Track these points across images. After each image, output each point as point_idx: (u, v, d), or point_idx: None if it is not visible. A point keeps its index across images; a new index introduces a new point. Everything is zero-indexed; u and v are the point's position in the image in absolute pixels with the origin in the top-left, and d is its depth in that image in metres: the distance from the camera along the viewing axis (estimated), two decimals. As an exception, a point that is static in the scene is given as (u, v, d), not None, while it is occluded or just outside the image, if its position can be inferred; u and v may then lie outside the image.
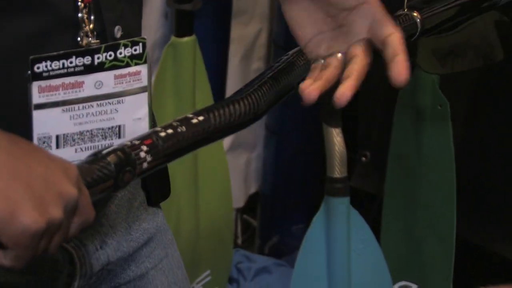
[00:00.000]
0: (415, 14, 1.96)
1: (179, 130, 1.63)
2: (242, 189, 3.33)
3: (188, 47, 2.86)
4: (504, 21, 2.50)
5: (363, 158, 3.14)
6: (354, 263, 2.74)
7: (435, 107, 2.89)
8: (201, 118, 1.68)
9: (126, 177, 1.55)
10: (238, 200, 3.33)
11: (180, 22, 2.89)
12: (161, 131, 1.61)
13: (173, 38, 2.88)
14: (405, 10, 2.00)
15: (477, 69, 2.98)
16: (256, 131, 3.34)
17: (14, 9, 1.66)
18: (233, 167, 3.22)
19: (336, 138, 2.80)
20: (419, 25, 1.97)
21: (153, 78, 2.93)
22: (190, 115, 1.68)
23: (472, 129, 3.00)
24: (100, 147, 1.65)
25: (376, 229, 2.89)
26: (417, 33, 1.99)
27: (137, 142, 1.56)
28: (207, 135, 1.70)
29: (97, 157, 1.52)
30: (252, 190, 3.38)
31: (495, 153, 3.02)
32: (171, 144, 1.62)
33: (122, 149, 1.54)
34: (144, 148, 1.56)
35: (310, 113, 3.09)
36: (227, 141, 3.34)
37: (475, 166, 2.98)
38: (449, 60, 2.73)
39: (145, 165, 1.56)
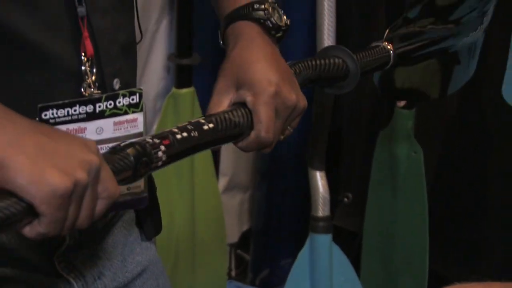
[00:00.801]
0: (389, 46, 1.97)
1: (192, 134, 1.63)
2: (236, 226, 3.32)
3: (187, 98, 2.86)
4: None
5: (345, 199, 3.13)
6: (336, 295, 2.76)
7: (410, 154, 2.89)
8: (211, 125, 1.66)
9: (141, 171, 1.54)
10: (233, 236, 3.32)
11: (180, 75, 2.90)
12: (177, 133, 1.61)
13: (173, 90, 2.89)
14: (382, 42, 1.99)
15: (449, 116, 3.02)
16: (249, 175, 3.36)
17: (22, 63, 1.66)
18: (228, 207, 3.25)
19: (320, 181, 2.81)
20: (392, 56, 1.97)
21: (155, 126, 2.96)
22: (203, 121, 1.66)
23: (443, 173, 2.99)
24: None
25: (356, 264, 2.90)
26: (390, 63, 1.98)
27: (157, 141, 1.56)
28: (213, 142, 1.70)
29: (115, 150, 1.52)
30: (245, 227, 3.37)
31: (465, 193, 3.01)
32: (184, 147, 1.62)
33: (141, 145, 1.54)
34: (163, 148, 1.56)
35: (298, 158, 3.10)
36: (222, 183, 3.33)
37: (447, 206, 2.98)
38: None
39: (159, 163, 1.57)
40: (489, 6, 2.20)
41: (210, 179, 2.88)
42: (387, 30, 2.02)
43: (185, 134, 1.62)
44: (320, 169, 2.84)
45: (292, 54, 3.11)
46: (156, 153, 1.55)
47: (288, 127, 1.78)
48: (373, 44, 1.96)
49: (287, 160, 3.28)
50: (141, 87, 1.75)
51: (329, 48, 1.92)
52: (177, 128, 1.62)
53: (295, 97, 1.74)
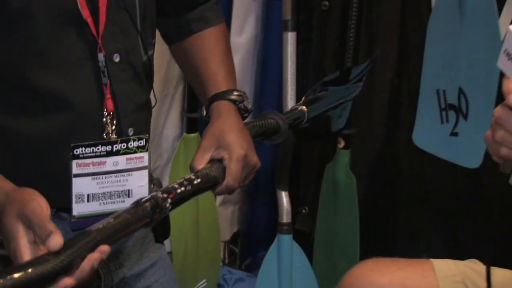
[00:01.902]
0: (303, 108, 1.96)
1: (187, 188, 1.62)
2: (228, 228, 3.32)
3: (194, 140, 2.82)
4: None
5: (303, 211, 3.13)
6: (295, 277, 2.76)
7: (347, 180, 2.88)
8: (199, 180, 1.65)
9: (156, 217, 1.54)
10: (226, 235, 3.32)
11: (189, 124, 2.88)
12: (178, 188, 1.60)
13: (185, 134, 2.86)
14: (300, 106, 1.98)
15: (374, 155, 3.00)
16: (238, 194, 3.35)
17: (58, 113, 1.61)
18: (222, 215, 3.23)
19: (284, 198, 2.80)
20: (306, 115, 1.96)
21: (172, 158, 2.93)
22: (193, 177, 1.65)
23: (368, 194, 2.97)
24: (115, 204, 1.63)
25: (310, 256, 2.89)
26: (305, 120, 1.96)
27: (165, 196, 1.56)
28: (200, 191, 1.67)
29: (138, 204, 1.52)
30: (235, 229, 3.37)
31: (382, 207, 3.01)
32: (182, 197, 1.60)
33: (155, 199, 1.54)
34: (169, 200, 1.56)
35: (271, 182, 3.08)
36: (219, 199, 3.26)
37: (371, 215, 2.97)
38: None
39: (167, 211, 1.57)
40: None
41: (209, 196, 2.86)
42: (303, 97, 2.01)
43: (183, 188, 1.60)
44: (284, 190, 2.83)
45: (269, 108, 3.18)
46: (165, 204, 1.55)
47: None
48: (294, 107, 1.96)
49: (264, 184, 3.26)
50: (149, 134, 1.74)
51: (267, 112, 1.92)
52: (177, 184, 1.61)
53: (256, 159, 1.75)
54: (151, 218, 1.52)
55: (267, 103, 3.13)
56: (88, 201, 1.59)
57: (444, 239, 2.78)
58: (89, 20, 1.57)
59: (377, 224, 2.96)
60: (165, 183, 2.87)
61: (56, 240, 1.31)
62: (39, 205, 1.36)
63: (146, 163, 1.65)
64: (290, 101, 2.79)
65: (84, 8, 1.56)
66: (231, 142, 1.70)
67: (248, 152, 1.71)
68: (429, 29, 2.55)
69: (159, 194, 1.55)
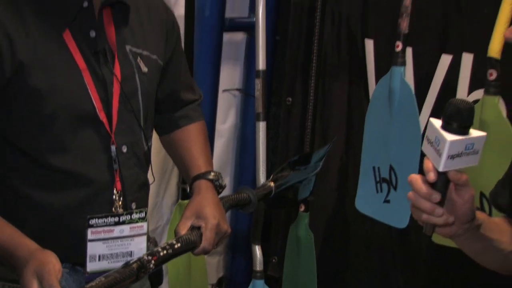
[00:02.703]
0: (271, 184, 1.95)
1: (168, 251, 1.61)
2: (215, 274, 3.23)
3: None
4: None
5: (273, 260, 3.09)
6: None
7: (307, 236, 2.83)
8: (179, 244, 1.65)
9: (141, 275, 1.54)
10: (213, 279, 3.25)
11: (183, 192, 2.82)
12: (161, 252, 1.59)
13: (180, 201, 2.81)
14: (269, 182, 1.96)
15: (328, 216, 2.96)
16: (222, 246, 3.29)
17: (75, 187, 1.61)
18: (210, 263, 3.17)
19: (258, 250, 2.74)
20: (273, 190, 1.95)
21: (170, 222, 2.83)
22: (175, 242, 1.64)
23: (323, 247, 2.96)
24: (120, 262, 1.60)
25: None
26: (272, 194, 1.95)
27: (150, 258, 1.56)
28: (180, 253, 1.67)
29: (127, 265, 1.52)
30: (221, 274, 3.29)
31: (331, 255, 2.97)
32: (164, 259, 1.61)
33: (141, 261, 1.53)
34: (153, 262, 1.56)
35: (247, 239, 3.03)
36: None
37: (328, 264, 2.92)
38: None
39: (150, 270, 1.56)
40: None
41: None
42: (273, 174, 2.00)
43: (165, 251, 1.60)
44: (258, 244, 2.80)
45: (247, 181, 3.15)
46: (149, 265, 1.56)
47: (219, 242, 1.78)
48: (264, 183, 1.95)
49: (242, 239, 3.20)
50: (147, 207, 1.74)
51: (242, 188, 1.92)
52: (161, 247, 1.61)
53: (227, 227, 1.75)
54: (136, 276, 1.52)
55: (245, 177, 3.10)
56: (99, 260, 1.58)
57: (382, 285, 2.74)
58: (105, 120, 1.59)
59: (330, 269, 2.91)
60: (164, 239, 2.87)
61: None
62: (54, 267, 1.38)
63: (145, 230, 1.64)
64: (262, 176, 2.77)
65: (101, 112, 1.58)
66: (207, 214, 1.70)
67: (221, 222, 1.71)
68: (366, 120, 2.55)
69: (145, 257, 1.55)
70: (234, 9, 2.92)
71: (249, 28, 2.88)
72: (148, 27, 1.70)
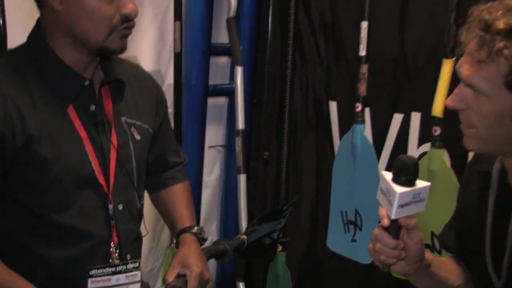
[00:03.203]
0: (244, 237, 1.90)
1: None
2: None
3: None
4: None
5: (256, 295, 3.05)
6: None
7: (284, 273, 2.82)
8: None
9: None
10: None
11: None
12: None
13: (172, 245, 2.68)
14: (242, 235, 1.92)
15: (300, 256, 2.91)
16: (212, 284, 3.15)
17: (77, 242, 1.58)
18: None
19: (241, 286, 2.72)
20: (246, 242, 1.91)
21: (164, 264, 2.73)
22: None
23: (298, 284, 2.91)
24: None
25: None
26: (245, 246, 1.91)
27: None
28: None
29: None
30: None
31: None
32: None
33: None
34: None
35: (232, 276, 2.94)
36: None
37: None
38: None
39: None
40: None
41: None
42: (246, 228, 1.96)
43: None
44: (241, 281, 2.79)
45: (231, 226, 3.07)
46: None
47: None
48: (238, 236, 1.91)
49: (227, 277, 3.08)
50: (140, 258, 1.70)
51: (219, 240, 1.88)
52: None
53: (209, 275, 1.71)
54: None
55: (229, 222, 3.04)
56: None
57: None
58: (103, 182, 1.58)
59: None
60: (159, 278, 2.78)
61: None
62: None
63: (139, 278, 1.61)
64: (243, 221, 2.74)
65: (100, 175, 1.57)
66: (192, 263, 1.68)
67: (203, 271, 1.68)
68: (333, 170, 2.55)
69: None
70: (217, 77, 2.89)
71: (230, 93, 2.87)
72: (140, 100, 1.71)
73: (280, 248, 2.83)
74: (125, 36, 1.54)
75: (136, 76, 1.72)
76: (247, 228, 1.95)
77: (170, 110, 2.74)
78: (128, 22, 1.52)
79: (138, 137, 1.67)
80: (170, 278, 1.65)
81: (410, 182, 1.29)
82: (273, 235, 2.05)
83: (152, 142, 1.77)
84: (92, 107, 1.58)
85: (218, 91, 2.92)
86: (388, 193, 1.30)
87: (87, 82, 1.56)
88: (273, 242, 2.06)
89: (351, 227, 2.49)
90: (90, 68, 1.57)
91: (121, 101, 1.64)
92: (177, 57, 2.60)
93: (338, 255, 2.56)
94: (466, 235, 1.49)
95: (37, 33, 1.54)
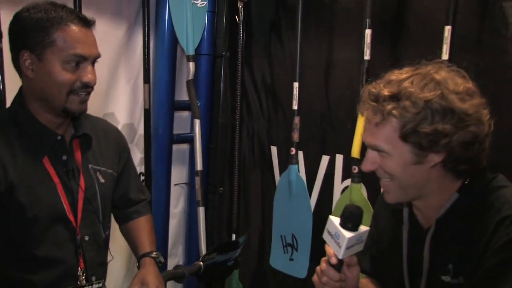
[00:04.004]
0: (201, 263, 1.86)
1: None
2: None
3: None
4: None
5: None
6: None
7: (238, 286, 2.73)
8: None
9: None
10: None
11: None
12: None
13: None
14: (198, 262, 1.85)
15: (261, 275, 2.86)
16: None
17: (49, 268, 1.52)
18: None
19: None
20: (202, 267, 1.86)
21: None
22: None
23: None
24: None
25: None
26: (201, 271, 1.85)
27: None
28: None
29: None
30: None
31: None
32: None
33: None
34: None
35: None
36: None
37: None
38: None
39: None
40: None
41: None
42: (203, 255, 1.89)
43: None
44: None
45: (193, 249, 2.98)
46: None
47: None
48: (196, 263, 1.84)
49: None
50: (104, 279, 1.64)
51: (178, 265, 1.84)
52: None
53: None
54: None
55: (192, 246, 2.98)
56: None
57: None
58: (72, 219, 1.55)
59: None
60: None
61: None
62: None
63: None
64: (203, 246, 2.70)
65: (70, 213, 1.54)
66: (149, 281, 1.64)
67: (159, 287, 1.65)
68: (274, 202, 2.54)
69: None
70: (180, 127, 2.88)
71: (190, 141, 2.86)
72: (105, 149, 1.69)
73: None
74: (84, 101, 1.51)
75: (103, 129, 1.70)
76: (204, 256, 1.90)
77: (141, 155, 2.74)
78: (87, 88, 1.49)
79: (102, 180, 1.64)
80: None
81: (355, 227, 1.27)
82: (229, 262, 2.01)
83: (116, 183, 1.74)
84: (64, 157, 1.55)
85: (181, 139, 2.90)
86: (336, 236, 1.27)
87: (59, 137, 1.54)
88: (229, 268, 2.01)
89: (289, 248, 2.48)
90: (63, 126, 1.56)
91: (88, 151, 1.62)
92: (147, 112, 2.63)
93: (280, 272, 2.53)
94: (382, 260, 1.47)
95: (19, 98, 1.53)
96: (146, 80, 2.56)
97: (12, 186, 1.46)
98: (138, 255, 1.76)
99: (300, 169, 2.48)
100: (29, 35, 1.42)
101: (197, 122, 2.66)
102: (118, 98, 2.61)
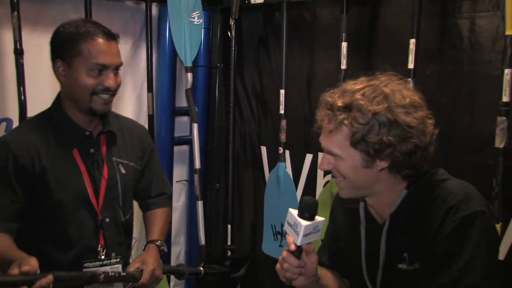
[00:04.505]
0: (201, 269, 1.80)
1: (115, 275, 1.54)
2: None
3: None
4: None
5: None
6: None
7: None
8: (124, 274, 1.54)
9: (92, 281, 1.46)
10: None
11: None
12: (109, 273, 1.53)
13: None
14: (200, 267, 1.86)
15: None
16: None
17: (75, 245, 1.56)
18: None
19: None
20: (202, 272, 1.78)
21: None
22: (122, 272, 1.54)
23: None
24: None
25: None
26: (201, 275, 1.81)
27: (101, 273, 1.48)
28: (122, 280, 1.56)
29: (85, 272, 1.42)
30: None
31: None
32: (110, 278, 1.52)
33: (95, 273, 1.45)
34: (102, 276, 1.49)
35: None
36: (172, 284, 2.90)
37: None
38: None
39: (99, 281, 1.47)
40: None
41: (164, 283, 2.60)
42: (203, 263, 1.87)
43: (112, 274, 1.52)
44: None
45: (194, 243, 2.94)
46: (99, 277, 1.49)
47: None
48: (198, 267, 1.84)
49: None
50: (123, 256, 1.66)
51: (179, 264, 1.84)
52: (111, 271, 1.51)
53: (159, 273, 1.68)
54: (88, 281, 1.45)
55: (193, 237, 2.96)
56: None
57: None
58: (94, 202, 1.62)
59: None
60: None
61: (23, 267, 1.31)
62: (31, 262, 1.35)
63: (120, 269, 1.62)
64: (202, 237, 2.69)
65: (93, 198, 1.61)
66: (148, 262, 1.66)
67: (156, 269, 1.66)
68: (265, 196, 2.56)
69: (99, 272, 1.48)
70: (180, 131, 2.89)
71: (190, 142, 2.84)
72: (129, 145, 1.72)
73: (229, 253, 2.79)
74: (107, 103, 1.59)
75: (129, 127, 1.74)
76: (205, 264, 1.90)
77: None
78: (108, 91, 1.58)
79: (124, 171, 1.69)
80: (130, 269, 1.64)
81: (311, 217, 1.26)
82: (232, 275, 1.97)
83: (140, 176, 1.78)
84: (91, 150, 1.63)
85: (181, 141, 2.89)
86: (295, 225, 1.26)
87: (87, 133, 1.63)
88: (233, 280, 1.97)
89: (279, 236, 2.52)
90: (93, 124, 1.64)
91: (113, 146, 1.68)
92: (150, 118, 2.61)
93: (271, 257, 2.55)
94: (341, 257, 1.47)
95: (57, 100, 1.63)
96: (150, 89, 2.58)
97: (45, 171, 1.52)
98: (146, 239, 1.81)
99: (287, 166, 2.49)
100: (62, 46, 1.51)
101: (195, 126, 2.67)
102: (125, 105, 2.65)
